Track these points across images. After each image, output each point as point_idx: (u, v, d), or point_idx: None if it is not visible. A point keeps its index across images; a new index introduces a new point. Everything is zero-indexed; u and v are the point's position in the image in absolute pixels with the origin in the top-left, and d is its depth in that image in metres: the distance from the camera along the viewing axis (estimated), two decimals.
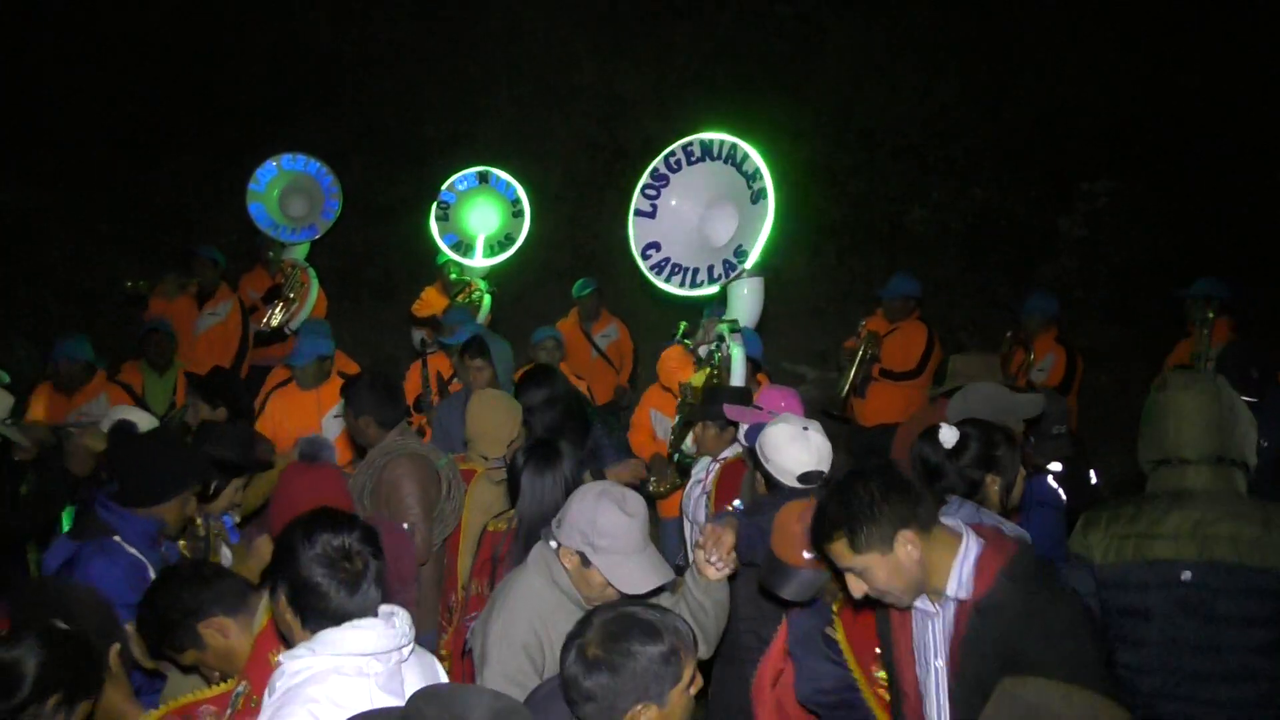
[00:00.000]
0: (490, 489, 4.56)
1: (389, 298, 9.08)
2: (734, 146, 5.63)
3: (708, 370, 5.43)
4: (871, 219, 10.96)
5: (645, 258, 5.76)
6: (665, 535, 6.08)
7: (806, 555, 3.11)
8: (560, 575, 3.13)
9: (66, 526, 4.47)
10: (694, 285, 5.64)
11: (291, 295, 8.47)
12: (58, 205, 11.58)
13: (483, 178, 8.72)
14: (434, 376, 7.05)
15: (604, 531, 3.02)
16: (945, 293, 10.30)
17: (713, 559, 3.17)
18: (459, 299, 8.37)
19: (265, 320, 8.47)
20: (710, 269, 5.58)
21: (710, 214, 5.76)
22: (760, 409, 4.48)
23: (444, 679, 2.79)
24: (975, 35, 11.02)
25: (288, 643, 2.56)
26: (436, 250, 8.61)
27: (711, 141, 5.70)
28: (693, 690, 2.42)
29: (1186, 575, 2.99)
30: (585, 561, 3.04)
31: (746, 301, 5.71)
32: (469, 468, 4.73)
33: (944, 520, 2.74)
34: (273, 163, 8.94)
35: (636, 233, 5.79)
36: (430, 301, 8.55)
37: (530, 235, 8.62)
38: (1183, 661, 2.98)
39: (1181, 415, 3.15)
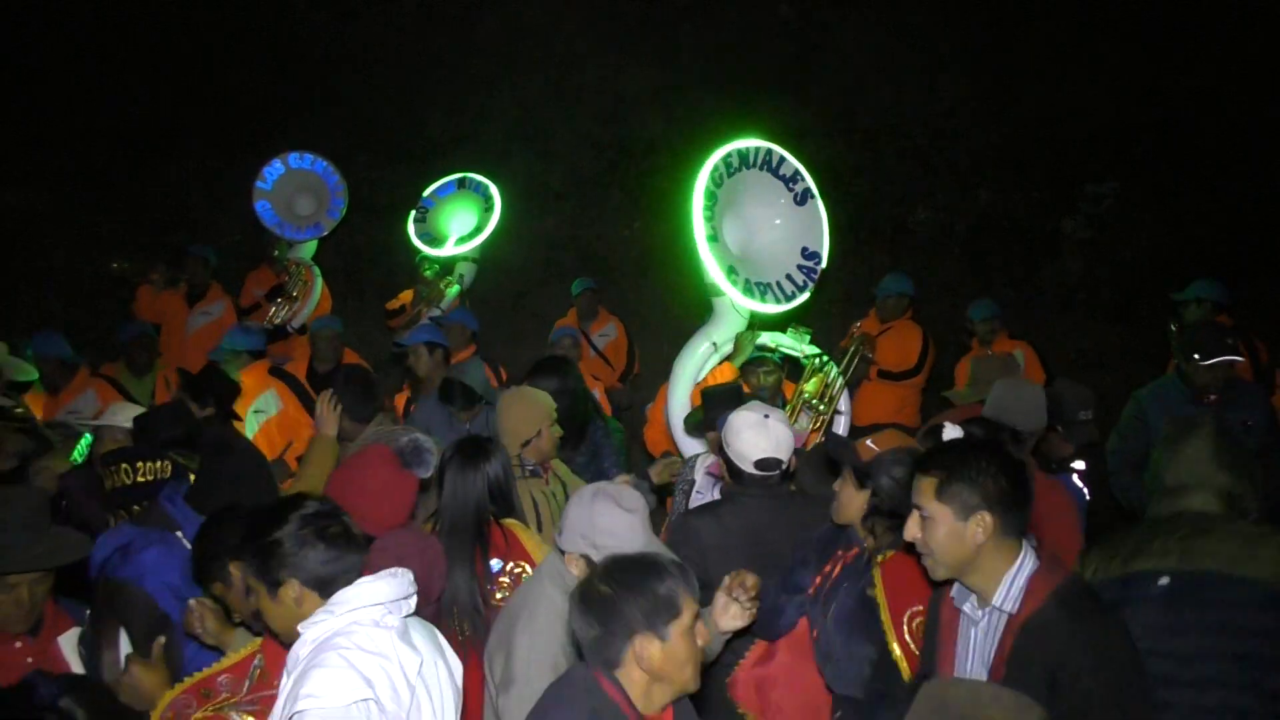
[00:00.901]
0: (520, 484, 4.51)
1: (392, 296, 9.07)
2: (769, 152, 5.64)
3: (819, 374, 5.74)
4: (875, 220, 10.93)
5: (734, 283, 5.46)
6: None
7: (872, 445, 3.31)
8: (573, 583, 3.05)
9: None
10: (788, 298, 5.62)
11: (295, 293, 8.50)
12: (59, 206, 11.57)
13: (461, 183, 8.96)
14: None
15: (604, 530, 3.04)
16: (949, 294, 10.27)
17: (740, 599, 3.15)
18: (421, 288, 8.54)
19: (268, 318, 8.48)
20: (790, 278, 5.62)
21: (762, 225, 5.75)
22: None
23: (444, 643, 2.87)
24: (979, 37, 11.00)
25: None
26: (415, 251, 8.76)
27: (746, 151, 5.61)
28: (700, 641, 2.48)
29: (1164, 581, 2.99)
30: (590, 564, 3.04)
31: (732, 315, 5.68)
32: None
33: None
34: (279, 161, 8.98)
35: (716, 259, 5.39)
36: (402, 296, 8.74)
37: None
38: (1154, 668, 2.94)
39: (1181, 452, 3.17)
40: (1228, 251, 9.13)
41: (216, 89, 11.99)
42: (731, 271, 5.43)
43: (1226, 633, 2.87)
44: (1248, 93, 9.89)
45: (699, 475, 4.93)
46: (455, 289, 8.57)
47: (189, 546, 3.55)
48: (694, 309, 6.68)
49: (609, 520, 3.06)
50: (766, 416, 3.85)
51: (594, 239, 10.98)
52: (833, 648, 3.34)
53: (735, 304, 5.51)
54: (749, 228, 5.74)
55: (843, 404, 5.87)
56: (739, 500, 3.86)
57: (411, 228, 8.87)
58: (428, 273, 8.65)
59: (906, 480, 3.08)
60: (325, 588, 2.57)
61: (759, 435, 3.80)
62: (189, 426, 4.37)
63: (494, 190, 8.88)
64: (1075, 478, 4.89)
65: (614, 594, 2.42)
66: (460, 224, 8.87)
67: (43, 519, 3.11)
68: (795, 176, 5.64)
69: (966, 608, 2.80)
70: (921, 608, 3.18)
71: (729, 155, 5.53)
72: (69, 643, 3.17)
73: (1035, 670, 2.57)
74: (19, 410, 5.55)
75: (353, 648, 2.44)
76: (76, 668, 3.12)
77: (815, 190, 5.66)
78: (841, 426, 5.80)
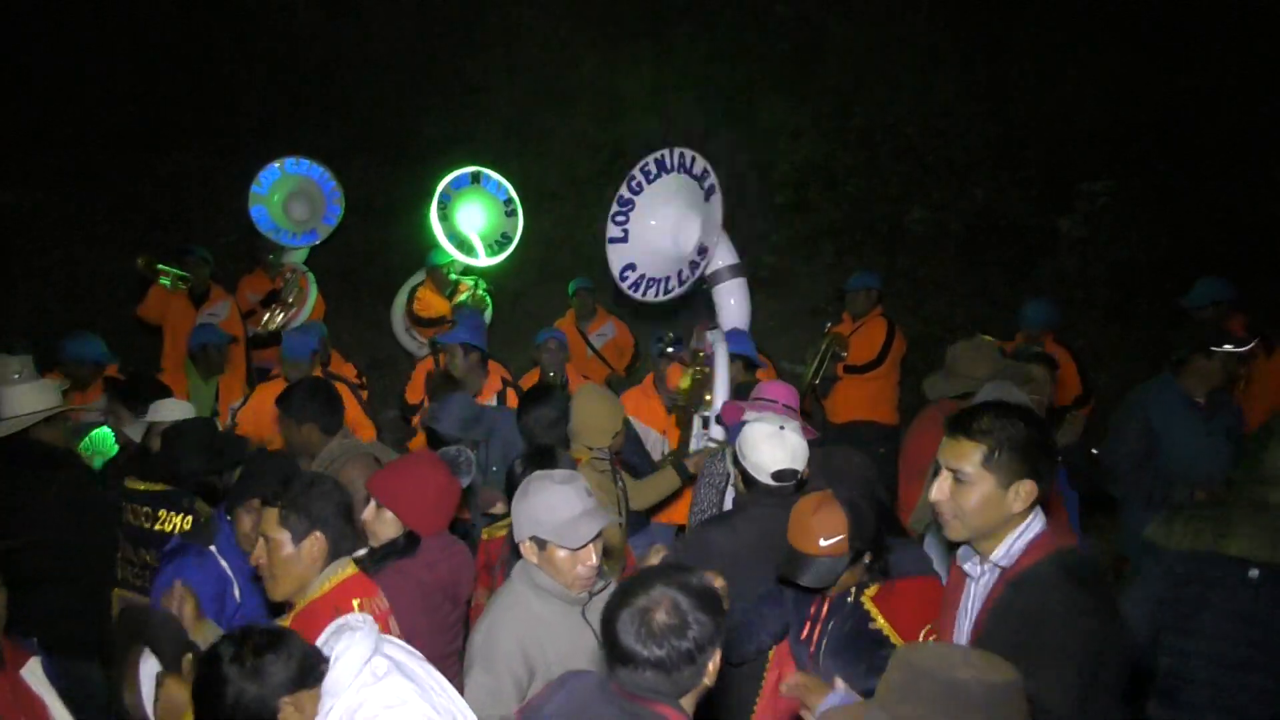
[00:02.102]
0: (594, 476, 4.61)
1: (389, 298, 9.08)
2: (682, 153, 5.96)
3: (692, 371, 5.59)
4: (870, 219, 10.95)
5: (623, 279, 6.13)
6: (658, 539, 6.07)
7: (823, 543, 3.17)
8: (539, 575, 3.20)
9: None
10: (666, 293, 5.90)
11: (290, 300, 8.50)
12: (57, 205, 11.59)
13: (475, 178, 8.84)
14: (420, 378, 7.03)
15: (542, 507, 3.14)
16: (945, 293, 10.30)
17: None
18: (459, 298, 8.45)
19: (263, 324, 8.48)
20: (679, 274, 5.81)
21: (680, 225, 6.06)
22: (772, 401, 4.57)
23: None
24: (974, 36, 11.02)
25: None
26: (431, 249, 8.68)
27: (663, 155, 6.06)
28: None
29: (1254, 574, 3.09)
30: (541, 544, 3.16)
31: (733, 304, 5.88)
32: (575, 455, 4.73)
33: None
34: (275, 165, 8.96)
35: (613, 258, 6.19)
36: (432, 303, 8.59)
37: (528, 235, 8.72)
38: (1230, 653, 3.12)
39: None
40: (1225, 250, 9.14)
41: (214, 89, 12.02)
42: (628, 268, 6.09)
43: None
44: (1244, 91, 9.90)
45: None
46: (489, 300, 8.58)
47: (223, 561, 3.71)
48: (690, 308, 6.72)
49: (543, 497, 3.15)
50: (781, 428, 3.89)
51: (590, 239, 10.97)
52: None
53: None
54: (668, 228, 6.13)
55: (719, 402, 5.62)
56: (752, 510, 3.87)
57: (437, 226, 8.64)
58: (452, 276, 8.62)
59: (872, 531, 3.23)
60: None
61: (776, 448, 3.83)
62: (211, 450, 4.25)
63: (514, 194, 8.85)
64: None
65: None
66: (469, 223, 8.78)
67: None
68: (704, 174, 5.85)
69: (968, 566, 2.82)
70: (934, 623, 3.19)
71: (646, 163, 6.12)
72: (33, 674, 3.07)
73: (1012, 621, 2.60)
74: None
75: (382, 712, 2.47)
76: (49, 697, 3.05)
77: (718, 186, 5.78)
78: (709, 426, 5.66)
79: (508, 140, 11.30)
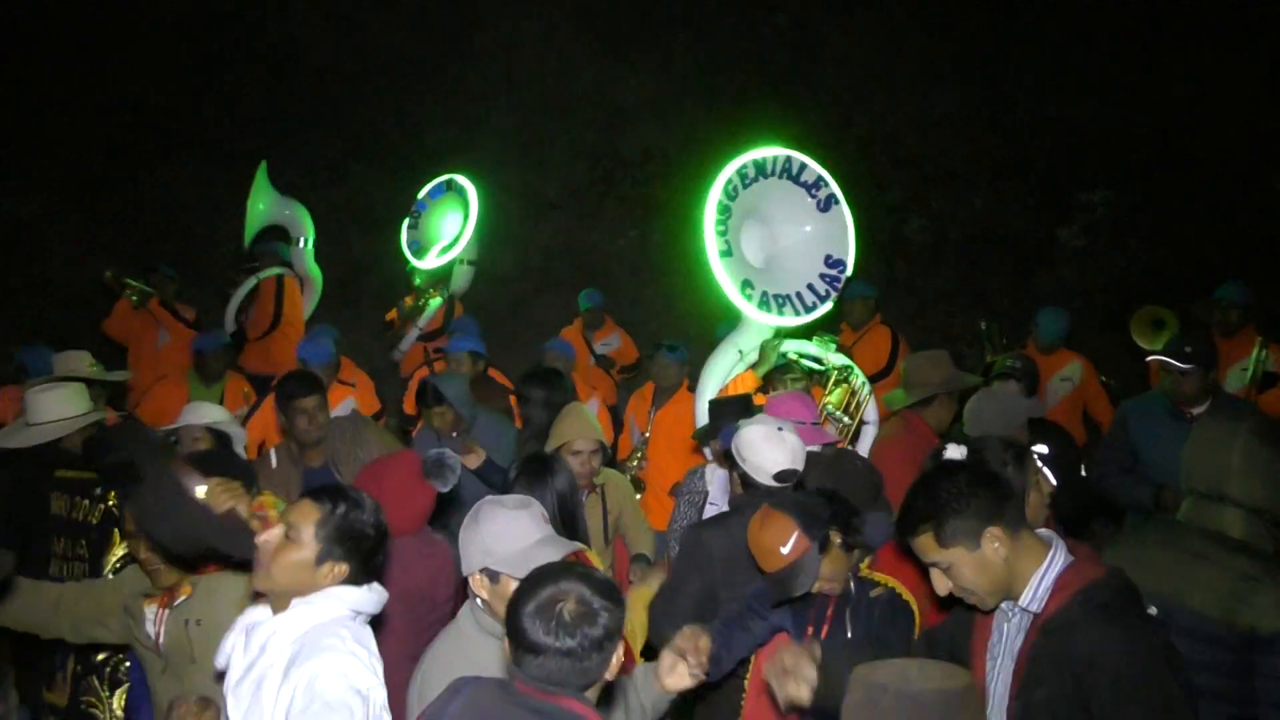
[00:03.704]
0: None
1: (389, 307, 9.10)
2: (788, 160, 5.52)
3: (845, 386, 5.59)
4: (870, 228, 10.93)
5: (748, 298, 5.38)
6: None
7: (784, 550, 3.11)
8: (481, 615, 2.95)
9: None
10: (809, 309, 5.48)
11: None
12: (57, 214, 11.59)
13: (449, 185, 8.90)
14: (413, 389, 7.05)
15: (494, 535, 2.88)
16: (944, 302, 10.32)
17: (690, 662, 2.92)
18: (406, 301, 8.57)
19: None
20: (811, 288, 5.49)
21: (783, 234, 5.63)
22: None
23: None
24: (973, 46, 11.06)
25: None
26: (408, 261, 8.81)
27: (764, 160, 5.49)
28: None
29: (1152, 610, 2.95)
30: (493, 576, 2.87)
31: (758, 325, 5.68)
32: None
33: (1038, 531, 2.69)
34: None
35: (729, 274, 5.34)
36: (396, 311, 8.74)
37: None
38: None
39: (1210, 458, 3.08)
40: (1222, 259, 9.16)
41: (214, 98, 12.05)
42: (746, 285, 5.34)
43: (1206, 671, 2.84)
44: (1241, 101, 9.93)
45: (713, 486, 4.88)
46: (436, 301, 8.56)
47: None
48: (692, 316, 6.74)
49: (495, 525, 2.89)
50: (780, 429, 3.83)
51: (590, 248, 11.02)
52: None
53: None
54: (769, 238, 5.64)
55: (870, 413, 5.68)
56: (749, 512, 3.69)
57: (404, 234, 8.80)
58: (417, 282, 8.66)
59: (825, 512, 3.19)
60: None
61: (776, 449, 3.76)
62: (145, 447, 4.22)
63: (471, 193, 8.74)
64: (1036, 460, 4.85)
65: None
66: (449, 228, 8.80)
67: None
68: (818, 183, 5.52)
69: (1004, 604, 2.71)
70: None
71: (744, 167, 5.42)
72: None
73: (1059, 670, 2.51)
74: None
75: (358, 640, 2.58)
76: None
77: (840, 196, 5.53)
78: (868, 437, 5.62)
79: (507, 149, 11.32)
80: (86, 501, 4.01)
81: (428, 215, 8.80)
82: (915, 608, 3.32)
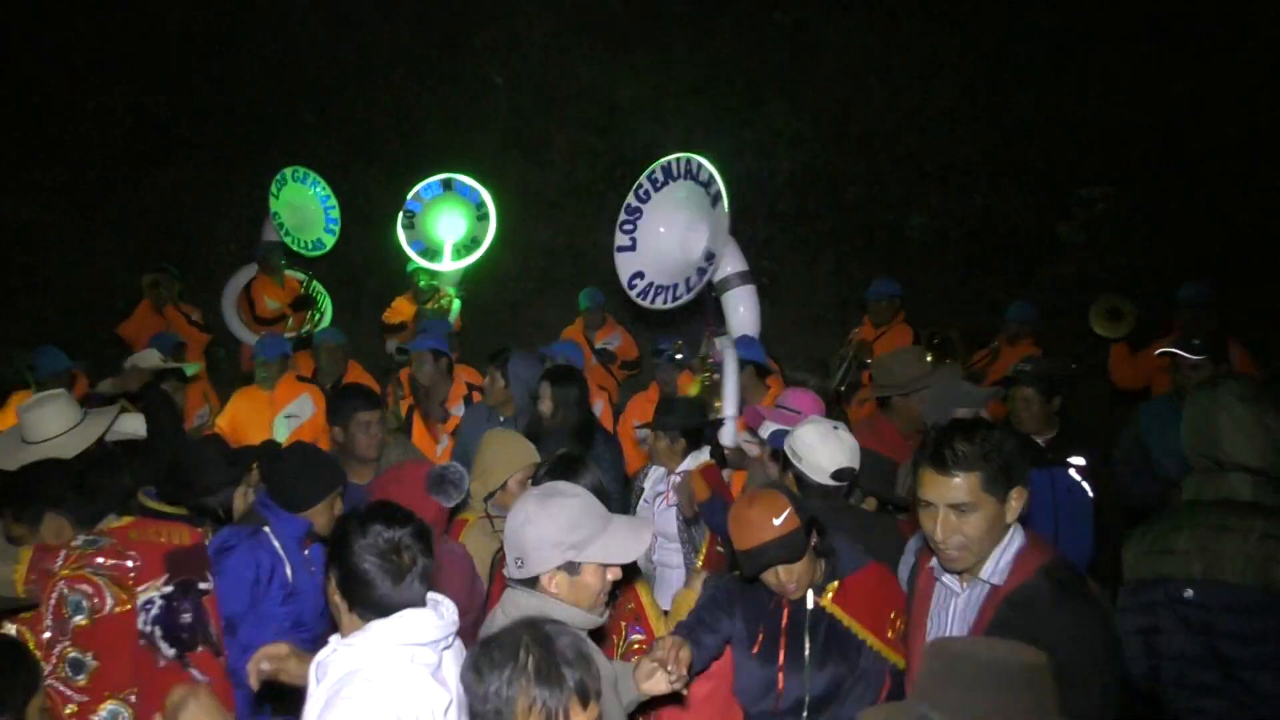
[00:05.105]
0: (480, 539, 4.25)
1: (387, 307, 9.11)
2: (688, 160, 5.98)
3: (702, 377, 5.60)
4: (870, 226, 10.98)
5: (632, 287, 6.15)
6: None
7: (776, 522, 3.12)
8: (552, 607, 2.74)
9: None
10: (674, 299, 5.90)
11: (320, 305, 8.58)
12: (57, 216, 11.60)
13: (446, 185, 8.94)
14: (407, 384, 7.07)
15: (569, 526, 2.76)
16: (945, 300, 10.30)
17: (670, 671, 2.90)
18: (428, 305, 8.55)
19: (300, 328, 8.64)
20: (687, 280, 5.83)
21: (688, 233, 6.06)
22: (796, 411, 4.59)
23: None
24: (972, 42, 11.05)
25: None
26: (407, 259, 8.74)
27: (670, 162, 6.08)
28: None
29: (1189, 594, 2.97)
30: (573, 568, 2.76)
31: (742, 311, 5.90)
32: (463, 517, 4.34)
33: None
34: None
35: (621, 266, 6.18)
36: (399, 309, 8.75)
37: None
38: (1190, 676, 2.97)
39: (1236, 419, 3.09)
40: (1222, 255, 9.16)
41: (212, 101, 12.04)
42: (637, 276, 6.10)
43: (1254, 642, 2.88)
44: (1241, 97, 9.93)
45: (647, 484, 5.05)
46: (458, 305, 8.60)
47: (273, 544, 3.79)
48: (693, 315, 6.74)
49: (568, 514, 2.77)
50: (835, 428, 3.88)
51: (590, 247, 11.01)
52: (809, 688, 3.26)
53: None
54: (676, 235, 6.13)
55: (728, 408, 5.64)
56: None
57: (401, 235, 8.75)
58: (421, 283, 8.66)
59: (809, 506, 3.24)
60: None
61: (835, 448, 3.81)
62: (222, 467, 4.18)
63: (487, 198, 8.81)
64: (1073, 473, 4.87)
65: (469, 670, 2.21)
66: (448, 230, 8.81)
67: None
68: (710, 180, 5.85)
69: (946, 579, 2.81)
70: (899, 607, 3.21)
71: (653, 171, 6.12)
72: None
73: (1024, 640, 2.54)
74: None
75: (378, 682, 2.38)
76: None
77: (724, 194, 5.77)
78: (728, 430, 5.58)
79: (507, 149, 11.32)
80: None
81: (423, 216, 8.79)
82: (868, 635, 3.27)
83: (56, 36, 11.78)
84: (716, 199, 5.75)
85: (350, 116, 11.93)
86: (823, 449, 3.82)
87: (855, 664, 3.22)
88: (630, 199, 6.22)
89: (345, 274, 10.77)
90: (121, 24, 11.75)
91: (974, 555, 2.70)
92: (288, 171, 8.98)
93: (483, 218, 8.82)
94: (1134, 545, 3.19)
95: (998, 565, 2.70)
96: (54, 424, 4.33)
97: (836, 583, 3.27)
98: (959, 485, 2.66)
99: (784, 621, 3.28)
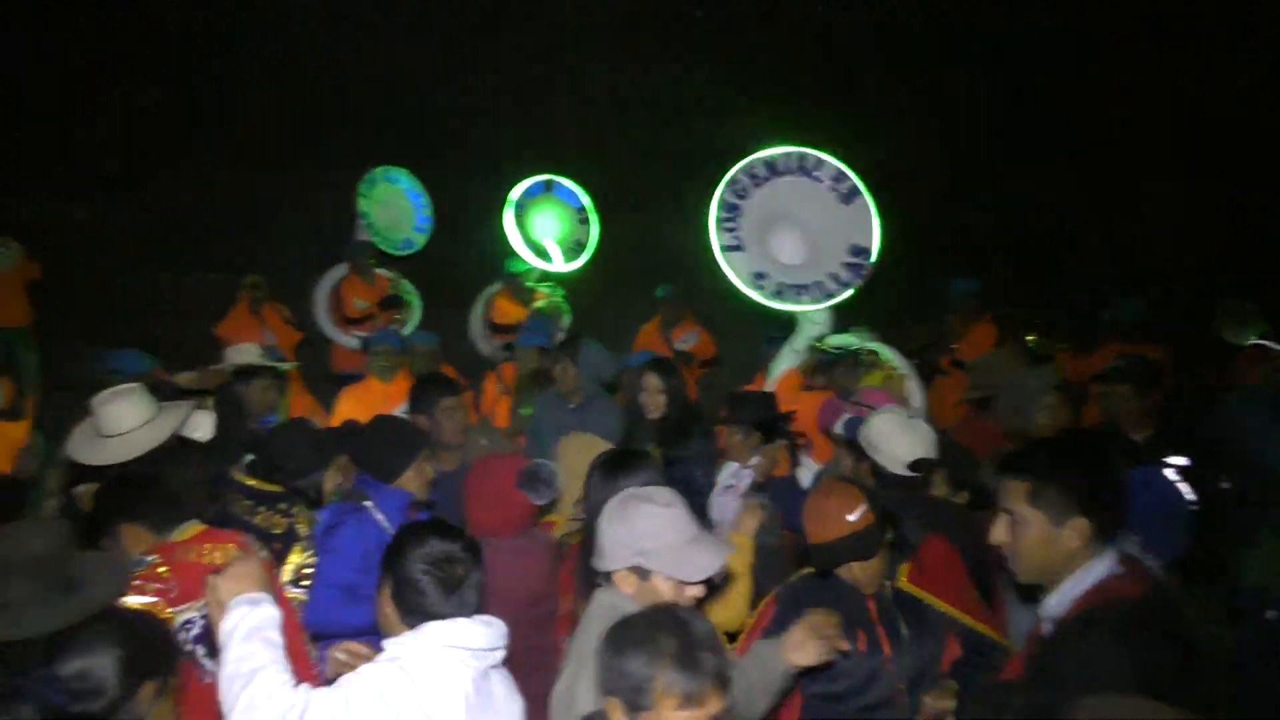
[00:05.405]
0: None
1: (462, 307, 9.20)
2: (802, 156, 5.79)
3: (885, 371, 5.72)
4: (935, 222, 10.91)
5: (759, 288, 5.72)
6: None
7: (851, 518, 3.14)
8: (625, 605, 2.77)
9: None
10: (828, 296, 5.70)
11: (408, 306, 8.89)
12: (106, 217, 11.81)
13: (548, 186, 8.97)
14: (510, 378, 7.22)
15: (646, 533, 2.78)
16: (1005, 296, 10.22)
17: (823, 641, 2.89)
18: (536, 304, 8.64)
19: (392, 326, 8.65)
20: (834, 276, 5.69)
21: (804, 228, 5.86)
22: (866, 406, 4.56)
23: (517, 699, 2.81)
24: (1039, 38, 10.97)
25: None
26: (507, 257, 8.77)
27: (775, 158, 5.82)
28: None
29: (1271, 615, 2.90)
30: (643, 574, 2.79)
31: (809, 322, 5.90)
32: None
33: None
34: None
35: (735, 266, 5.73)
36: (507, 310, 8.78)
37: (601, 242, 8.74)
38: None
39: None
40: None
41: (267, 104, 12.17)
42: (759, 278, 5.64)
43: None
44: None
45: (720, 479, 5.02)
46: (566, 307, 8.76)
47: (377, 518, 3.87)
48: (764, 314, 6.72)
49: (648, 521, 2.79)
50: (912, 418, 3.91)
51: (662, 245, 11.04)
52: (908, 670, 3.27)
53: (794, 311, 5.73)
54: (787, 232, 5.88)
55: (916, 399, 5.81)
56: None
57: (513, 233, 8.72)
58: (528, 284, 8.78)
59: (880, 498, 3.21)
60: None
61: (912, 438, 3.82)
62: (310, 451, 4.29)
63: (587, 201, 8.91)
64: (1169, 472, 4.81)
65: (608, 646, 2.27)
66: (545, 231, 8.88)
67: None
68: (839, 176, 5.74)
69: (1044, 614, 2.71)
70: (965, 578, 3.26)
71: (753, 165, 5.79)
72: None
73: (1040, 677, 2.53)
74: None
75: (413, 671, 2.51)
76: None
77: (861, 188, 5.71)
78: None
79: (578, 148, 11.34)
80: (271, 512, 4.04)
81: (527, 213, 8.85)
82: (964, 620, 3.32)
83: (102, 42, 11.96)
84: (852, 194, 5.68)
85: (416, 118, 12.01)
86: (900, 439, 3.83)
87: (942, 638, 3.30)
88: (725, 196, 5.83)
89: (419, 275, 10.83)
90: (167, 30, 11.96)
91: (1024, 570, 2.65)
92: (378, 171, 9.14)
93: (584, 221, 8.92)
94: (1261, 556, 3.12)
95: (1061, 600, 2.58)
96: (130, 418, 4.32)
97: (908, 564, 3.32)
98: (1009, 488, 2.63)
99: (873, 613, 3.30)
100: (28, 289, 9.90)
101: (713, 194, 5.74)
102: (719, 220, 5.79)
